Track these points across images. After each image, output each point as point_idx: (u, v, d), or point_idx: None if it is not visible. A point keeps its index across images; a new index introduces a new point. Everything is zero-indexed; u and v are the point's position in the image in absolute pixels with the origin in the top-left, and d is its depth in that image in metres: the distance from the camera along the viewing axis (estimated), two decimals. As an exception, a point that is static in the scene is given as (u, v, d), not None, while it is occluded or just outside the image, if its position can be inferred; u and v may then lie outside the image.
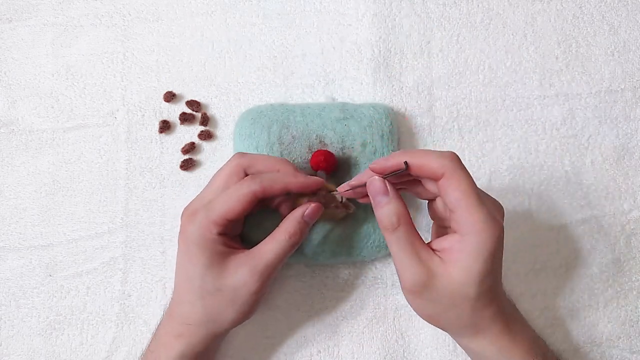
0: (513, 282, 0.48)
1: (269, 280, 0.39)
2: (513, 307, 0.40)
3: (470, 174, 0.36)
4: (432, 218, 0.40)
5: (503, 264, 0.48)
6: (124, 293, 0.48)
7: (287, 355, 0.47)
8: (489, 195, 0.38)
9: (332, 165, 0.44)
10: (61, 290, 0.48)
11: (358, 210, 0.44)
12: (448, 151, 0.36)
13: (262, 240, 0.39)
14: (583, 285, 0.48)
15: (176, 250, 0.48)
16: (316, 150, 0.44)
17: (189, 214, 0.39)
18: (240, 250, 0.39)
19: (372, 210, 0.44)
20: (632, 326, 0.48)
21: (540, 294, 0.48)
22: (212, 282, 0.37)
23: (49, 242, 0.49)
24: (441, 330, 0.47)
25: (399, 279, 0.37)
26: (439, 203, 0.39)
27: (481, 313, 0.36)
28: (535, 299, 0.48)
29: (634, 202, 0.50)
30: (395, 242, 0.36)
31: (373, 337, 0.47)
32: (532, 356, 0.38)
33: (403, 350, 0.47)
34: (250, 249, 0.39)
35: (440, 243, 0.36)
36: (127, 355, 0.47)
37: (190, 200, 0.40)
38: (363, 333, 0.47)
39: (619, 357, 0.47)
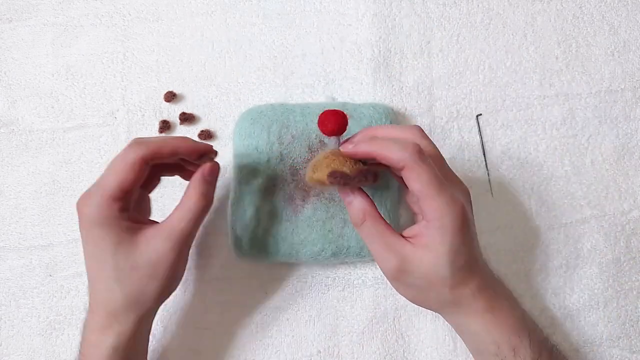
0: (513, 282, 0.48)
1: (186, 249, 0.39)
2: (499, 283, 0.41)
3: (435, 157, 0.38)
4: (409, 206, 0.42)
5: (503, 264, 0.48)
6: (124, 293, 0.48)
7: (287, 355, 0.47)
8: (455, 177, 0.40)
9: (343, 128, 0.39)
10: (61, 290, 0.48)
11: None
12: (410, 141, 0.37)
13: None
14: (583, 285, 0.48)
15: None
16: (324, 112, 0.39)
17: (83, 196, 0.37)
18: (148, 224, 0.38)
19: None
20: (632, 326, 0.48)
21: (540, 294, 0.48)
22: (125, 260, 0.36)
23: (49, 242, 0.49)
24: (441, 330, 0.47)
25: (378, 265, 0.39)
26: (408, 193, 0.40)
27: (461, 290, 0.38)
28: (535, 299, 0.48)
29: (634, 202, 0.50)
30: (365, 235, 0.39)
31: (373, 337, 0.47)
32: (518, 333, 0.39)
33: (403, 350, 0.47)
34: (160, 222, 0.38)
35: (411, 230, 0.38)
36: None
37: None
38: (363, 333, 0.47)
39: (619, 357, 0.47)
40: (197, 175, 0.39)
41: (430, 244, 0.36)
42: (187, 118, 0.50)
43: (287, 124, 0.45)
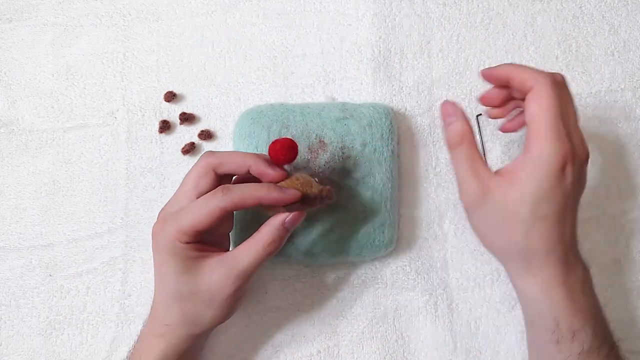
0: (513, 282, 0.48)
1: (246, 284, 0.39)
2: (582, 266, 0.38)
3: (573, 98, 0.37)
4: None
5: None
6: (124, 293, 0.48)
7: (287, 355, 0.47)
8: (581, 135, 0.38)
9: (293, 157, 0.39)
10: (61, 290, 0.48)
11: (357, 210, 0.44)
12: (552, 73, 0.37)
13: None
14: (583, 285, 0.48)
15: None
16: (275, 140, 0.39)
17: (159, 220, 0.39)
18: (215, 253, 0.39)
19: (371, 210, 0.45)
20: (632, 326, 0.48)
21: (540, 293, 0.48)
22: (187, 286, 0.38)
23: (49, 242, 0.49)
24: (441, 330, 0.47)
25: (459, 193, 0.39)
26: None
27: (535, 243, 0.36)
28: (535, 298, 0.48)
29: (634, 202, 0.50)
30: (457, 158, 0.39)
31: (373, 337, 0.47)
32: (583, 317, 0.36)
33: (403, 351, 0.47)
34: (226, 253, 0.39)
35: (507, 167, 0.38)
36: (127, 355, 0.47)
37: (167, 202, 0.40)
38: (363, 333, 0.47)
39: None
40: (279, 220, 0.38)
41: (519, 177, 0.36)
42: (187, 118, 0.50)
43: (287, 124, 0.45)
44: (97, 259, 0.48)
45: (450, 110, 0.40)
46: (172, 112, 0.50)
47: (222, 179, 0.39)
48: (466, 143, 0.38)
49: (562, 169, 0.35)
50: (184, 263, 0.37)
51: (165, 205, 0.40)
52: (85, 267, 0.48)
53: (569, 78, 0.51)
